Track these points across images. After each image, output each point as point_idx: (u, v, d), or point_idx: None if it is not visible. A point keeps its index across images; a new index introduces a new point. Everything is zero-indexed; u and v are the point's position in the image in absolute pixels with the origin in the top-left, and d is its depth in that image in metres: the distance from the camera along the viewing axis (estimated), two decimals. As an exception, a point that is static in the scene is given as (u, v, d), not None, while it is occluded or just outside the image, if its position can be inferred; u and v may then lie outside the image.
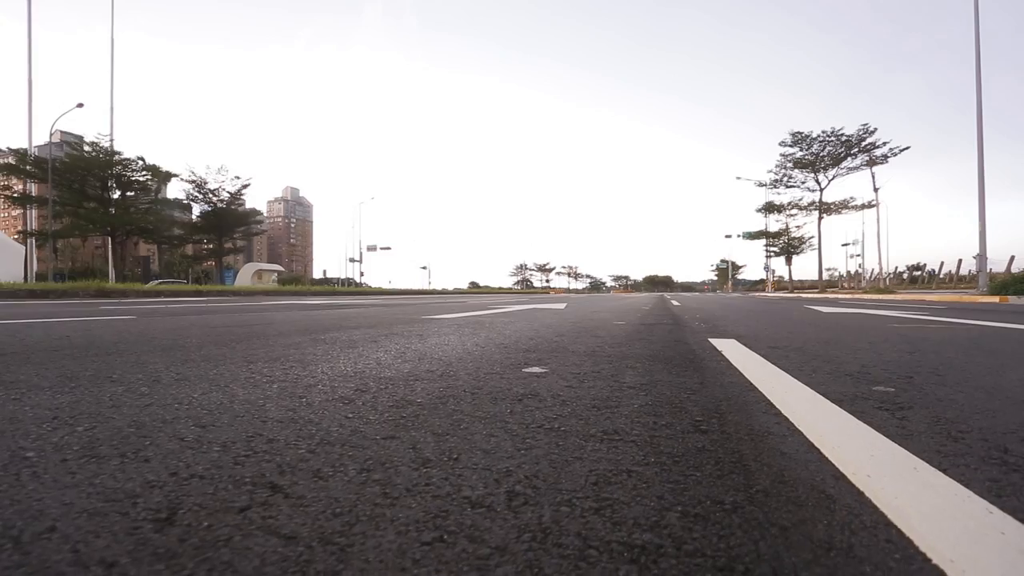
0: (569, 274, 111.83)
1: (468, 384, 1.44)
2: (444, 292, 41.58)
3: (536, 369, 1.71)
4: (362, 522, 0.59)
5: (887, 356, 2.07)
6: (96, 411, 1.12)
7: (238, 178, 33.21)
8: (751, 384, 1.46)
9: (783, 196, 38.20)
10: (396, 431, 0.97)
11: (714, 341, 2.63)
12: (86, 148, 27.08)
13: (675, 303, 10.12)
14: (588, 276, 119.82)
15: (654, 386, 1.43)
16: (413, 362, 1.86)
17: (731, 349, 2.28)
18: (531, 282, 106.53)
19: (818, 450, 0.86)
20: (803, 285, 50.20)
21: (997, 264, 29.40)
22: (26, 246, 22.05)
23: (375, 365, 1.78)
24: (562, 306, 7.91)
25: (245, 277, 30.64)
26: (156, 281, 32.82)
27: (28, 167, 24.31)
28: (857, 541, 0.55)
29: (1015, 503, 0.64)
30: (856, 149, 32.92)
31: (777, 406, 1.18)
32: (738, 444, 0.90)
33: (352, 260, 53.42)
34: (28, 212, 25.24)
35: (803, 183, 36.52)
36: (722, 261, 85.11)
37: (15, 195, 26.92)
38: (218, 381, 1.47)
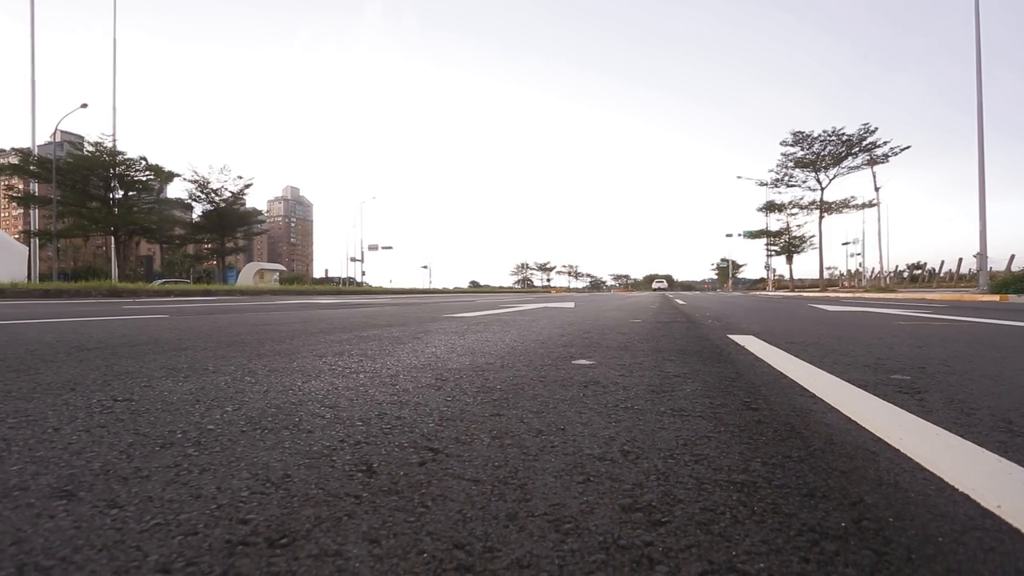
0: (570, 273, 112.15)
1: (531, 374, 1.62)
2: (447, 291, 41.78)
3: (584, 361, 1.90)
4: (522, 471, 0.78)
5: (898, 350, 2.26)
6: (227, 396, 1.30)
7: (240, 178, 33.48)
8: (781, 373, 1.65)
9: (784, 195, 38.42)
10: (498, 410, 1.16)
11: (733, 337, 2.81)
12: (88, 148, 27.23)
13: (680, 302, 10.31)
14: (588, 275, 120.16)
15: (696, 375, 1.62)
16: (468, 356, 2.04)
17: (752, 344, 2.47)
18: (532, 281, 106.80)
19: (855, 422, 1.04)
20: (803, 284, 50.44)
21: (997, 263, 29.64)
22: (30, 246, 22.20)
23: (434, 358, 1.97)
24: (571, 305, 8.10)
25: (247, 276, 30.81)
26: (161, 281, 32.99)
27: (32, 167, 24.49)
28: (901, 479, 0.73)
29: (1019, 457, 0.83)
30: (857, 148, 33.10)
31: (811, 390, 1.37)
32: (787, 418, 1.08)
33: (354, 259, 53.67)
34: (32, 212, 25.42)
35: (804, 182, 36.71)
36: (722, 260, 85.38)
37: (19, 195, 27.11)
38: (307, 372, 1.65)
